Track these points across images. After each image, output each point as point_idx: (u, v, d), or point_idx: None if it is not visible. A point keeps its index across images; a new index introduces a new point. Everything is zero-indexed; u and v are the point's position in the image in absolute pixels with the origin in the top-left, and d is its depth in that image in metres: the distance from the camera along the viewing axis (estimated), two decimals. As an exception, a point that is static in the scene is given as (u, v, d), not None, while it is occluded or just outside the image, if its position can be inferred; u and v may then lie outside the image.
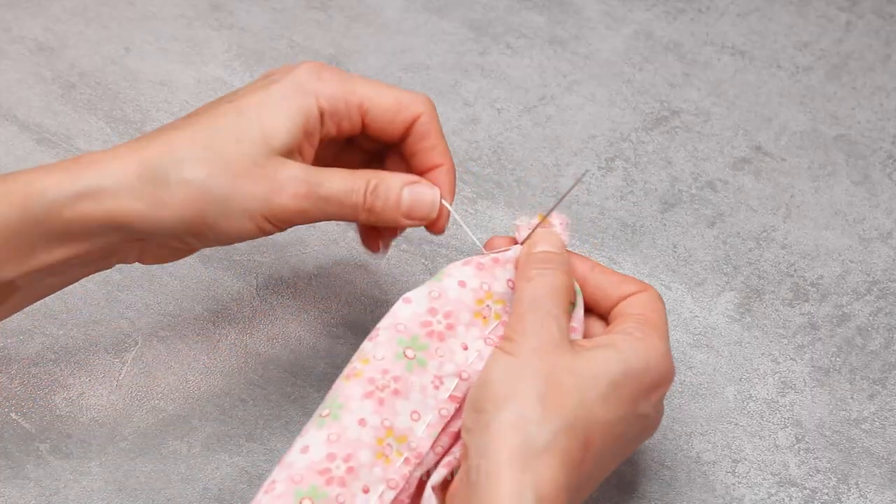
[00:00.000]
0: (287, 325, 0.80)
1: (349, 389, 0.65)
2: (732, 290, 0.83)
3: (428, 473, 0.65)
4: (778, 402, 0.78)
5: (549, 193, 0.87)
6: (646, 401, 0.65)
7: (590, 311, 0.69)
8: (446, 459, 0.64)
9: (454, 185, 0.70)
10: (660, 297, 0.68)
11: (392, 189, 0.68)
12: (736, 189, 0.88)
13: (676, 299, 0.82)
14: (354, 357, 0.66)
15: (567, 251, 0.68)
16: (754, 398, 0.78)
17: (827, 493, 0.74)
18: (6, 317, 0.69)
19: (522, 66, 0.95)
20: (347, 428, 0.64)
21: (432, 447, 0.64)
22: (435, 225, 0.70)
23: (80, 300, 0.81)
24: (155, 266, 0.82)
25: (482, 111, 0.92)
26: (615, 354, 0.64)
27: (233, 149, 0.65)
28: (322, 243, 0.84)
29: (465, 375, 0.65)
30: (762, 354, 0.80)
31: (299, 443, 0.64)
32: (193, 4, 0.99)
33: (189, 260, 0.83)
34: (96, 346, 0.79)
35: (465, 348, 0.66)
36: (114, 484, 0.73)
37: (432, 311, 0.66)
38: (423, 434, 0.64)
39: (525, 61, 0.96)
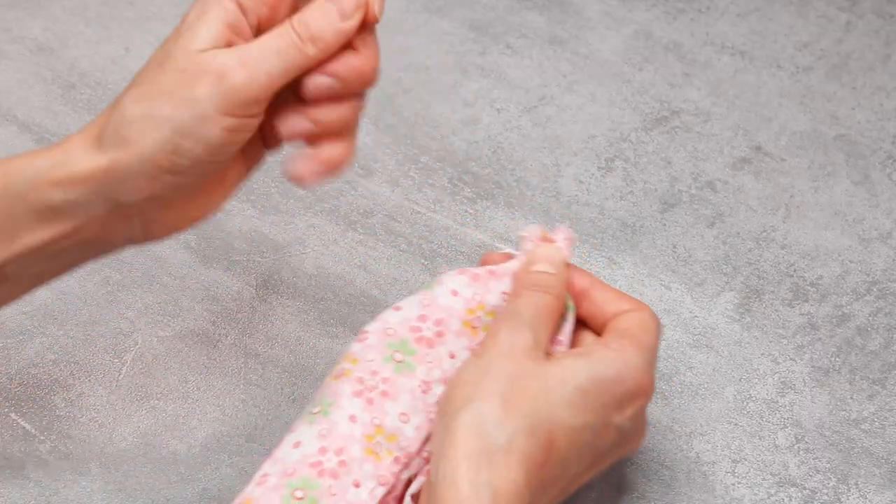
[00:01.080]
0: (287, 325, 0.80)
1: (338, 387, 0.65)
2: (732, 291, 0.83)
3: (409, 481, 0.65)
4: (778, 402, 0.78)
5: (548, 193, 0.87)
6: (619, 412, 0.65)
7: (585, 325, 0.69)
8: (426, 468, 0.64)
9: None
10: (654, 317, 0.68)
11: (313, 6, 0.65)
12: (736, 189, 0.88)
13: (676, 299, 0.82)
14: (342, 358, 0.66)
15: (569, 265, 0.69)
16: (754, 398, 0.78)
17: (826, 494, 0.74)
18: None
19: (522, 66, 0.95)
20: (337, 423, 0.64)
21: (419, 451, 0.65)
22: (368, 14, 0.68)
23: (80, 300, 0.81)
24: (155, 266, 0.82)
25: (482, 111, 0.92)
26: (585, 362, 0.65)
27: (160, 72, 0.64)
28: (322, 243, 0.84)
29: None
30: (762, 354, 0.80)
31: (290, 439, 0.64)
32: (193, 4, 0.99)
33: (189, 260, 0.83)
34: (96, 346, 0.79)
35: (453, 357, 0.66)
36: (114, 484, 0.73)
37: (422, 318, 0.67)
38: (412, 434, 0.64)
39: (525, 61, 0.96)
